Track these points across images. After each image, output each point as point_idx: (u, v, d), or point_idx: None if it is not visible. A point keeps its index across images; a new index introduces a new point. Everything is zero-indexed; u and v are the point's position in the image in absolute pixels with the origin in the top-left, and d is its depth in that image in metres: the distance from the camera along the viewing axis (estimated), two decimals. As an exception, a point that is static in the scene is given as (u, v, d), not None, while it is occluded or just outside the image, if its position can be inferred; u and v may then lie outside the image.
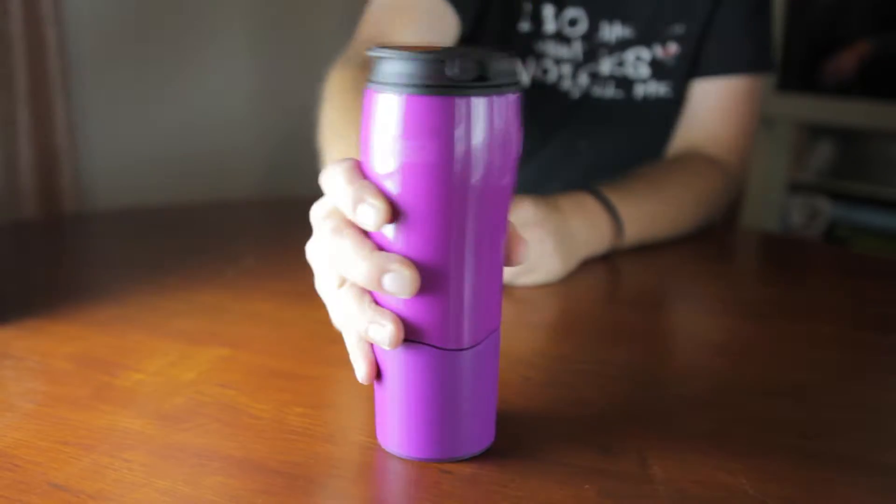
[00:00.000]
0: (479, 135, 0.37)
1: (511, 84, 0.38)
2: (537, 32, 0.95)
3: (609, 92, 0.95)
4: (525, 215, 0.68)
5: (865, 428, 0.48)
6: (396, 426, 0.42)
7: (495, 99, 0.37)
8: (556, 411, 0.48)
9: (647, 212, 0.81)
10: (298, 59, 1.50)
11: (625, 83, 0.94)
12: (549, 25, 0.94)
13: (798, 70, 2.06)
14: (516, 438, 0.45)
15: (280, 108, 1.44)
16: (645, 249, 0.81)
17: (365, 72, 0.75)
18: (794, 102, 2.03)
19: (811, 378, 0.54)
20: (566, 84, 0.95)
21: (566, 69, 0.95)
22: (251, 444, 0.44)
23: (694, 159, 0.91)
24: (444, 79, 0.36)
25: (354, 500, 0.39)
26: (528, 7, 0.94)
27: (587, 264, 0.76)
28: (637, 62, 0.93)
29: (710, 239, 0.89)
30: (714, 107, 0.94)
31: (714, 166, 0.91)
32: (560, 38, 0.94)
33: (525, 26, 0.95)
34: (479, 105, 0.37)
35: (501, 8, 0.95)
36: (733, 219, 1.20)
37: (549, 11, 0.94)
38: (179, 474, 0.41)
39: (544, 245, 0.68)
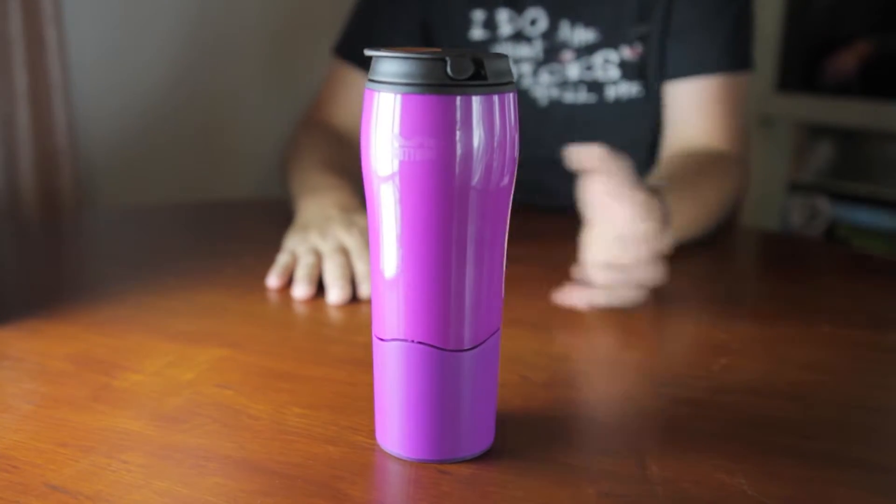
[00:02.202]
0: (478, 133, 0.37)
1: (508, 83, 0.38)
2: (493, 37, 0.97)
3: (581, 97, 0.96)
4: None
5: (866, 429, 0.48)
6: (396, 426, 0.42)
7: (493, 97, 0.37)
8: (555, 411, 0.48)
9: (687, 215, 0.79)
10: (302, 63, 1.50)
11: (596, 86, 0.95)
12: (505, 28, 0.96)
13: (798, 70, 2.06)
14: (515, 438, 0.45)
15: (281, 109, 1.44)
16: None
17: (324, 130, 0.96)
18: (794, 102, 2.02)
19: (811, 378, 0.54)
20: (527, 82, 0.96)
21: (526, 68, 0.96)
22: (249, 445, 0.44)
23: (719, 159, 0.90)
24: (443, 77, 0.36)
25: (353, 500, 0.39)
26: (479, 15, 0.97)
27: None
28: (606, 64, 0.94)
29: (710, 238, 0.89)
30: (694, 107, 0.93)
31: (735, 164, 0.90)
32: (520, 37, 0.96)
33: (478, 34, 0.97)
34: (477, 103, 0.37)
35: (446, 28, 0.97)
36: (733, 218, 1.20)
37: (503, 15, 0.96)
38: (178, 475, 0.41)
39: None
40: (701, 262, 0.76)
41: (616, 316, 0.65)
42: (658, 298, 0.71)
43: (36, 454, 0.42)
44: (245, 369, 0.53)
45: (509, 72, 0.39)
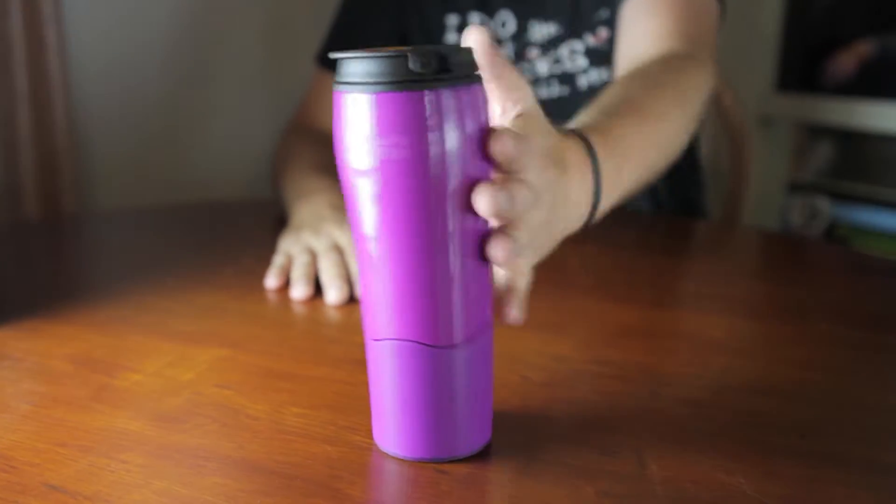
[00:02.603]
0: (450, 127, 0.37)
1: (474, 75, 0.38)
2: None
3: (554, 91, 0.96)
4: (534, 173, 0.45)
5: (865, 428, 0.48)
6: (392, 426, 0.42)
7: (462, 89, 0.37)
8: (554, 411, 0.48)
9: (633, 163, 0.62)
10: (297, 64, 1.50)
11: (567, 78, 0.95)
12: None
13: (798, 70, 2.06)
14: (514, 438, 0.45)
15: (279, 109, 1.44)
16: (643, 248, 0.81)
17: (309, 133, 0.94)
18: (794, 102, 2.02)
19: (811, 378, 0.54)
20: None
21: None
22: (249, 445, 0.44)
23: (671, 59, 0.77)
24: (409, 73, 0.36)
25: (352, 500, 0.39)
26: (453, 20, 0.97)
27: (587, 264, 0.76)
28: (573, 55, 0.94)
29: (709, 237, 0.89)
30: (640, 14, 0.84)
31: (689, 60, 0.77)
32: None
33: (453, 38, 0.98)
34: (446, 97, 0.37)
35: (422, 34, 0.98)
36: (734, 218, 1.20)
37: (475, 19, 0.96)
38: (177, 475, 0.41)
39: (543, 215, 0.46)
40: (700, 261, 0.76)
41: (617, 316, 0.65)
42: (657, 297, 0.72)
43: (35, 454, 0.42)
44: (245, 369, 0.53)
45: (473, 64, 0.39)
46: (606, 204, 0.58)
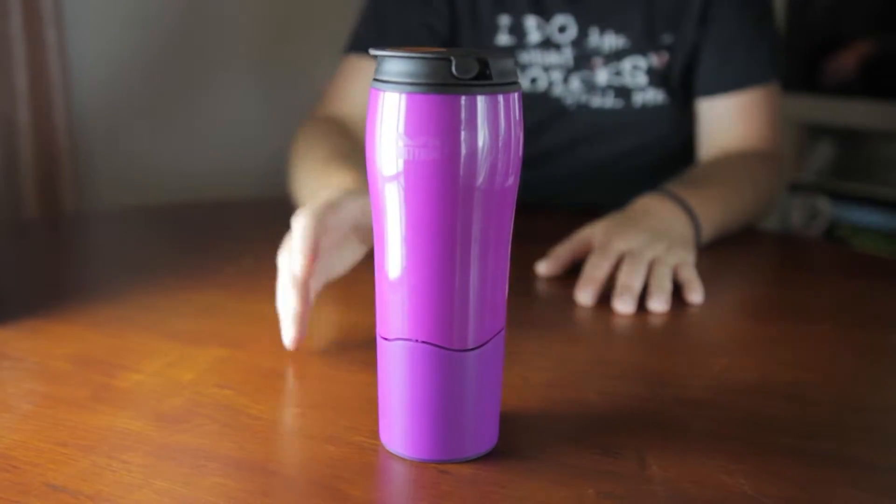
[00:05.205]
0: (482, 133, 0.37)
1: (512, 83, 0.38)
2: (520, 44, 0.96)
3: (608, 102, 0.96)
4: (602, 234, 0.72)
5: (865, 428, 0.48)
6: (401, 426, 0.42)
7: (498, 97, 0.37)
8: (555, 411, 0.48)
9: (719, 212, 0.84)
10: (298, 64, 1.50)
11: (623, 92, 0.95)
12: (534, 36, 0.96)
13: (798, 70, 2.06)
14: (515, 439, 0.45)
15: (279, 108, 1.44)
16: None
17: (328, 123, 0.90)
18: (794, 102, 2.02)
19: (811, 378, 0.54)
20: (558, 90, 0.97)
21: (556, 75, 0.96)
22: (249, 445, 0.44)
23: (745, 156, 0.94)
24: (447, 77, 0.36)
25: (353, 500, 0.39)
26: (505, 20, 0.96)
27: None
28: (634, 71, 0.95)
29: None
30: (733, 118, 0.97)
31: (764, 159, 0.95)
32: (548, 45, 0.96)
33: (504, 39, 0.97)
34: (482, 103, 0.37)
35: (472, 29, 0.97)
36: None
37: (532, 22, 0.95)
38: (178, 475, 0.41)
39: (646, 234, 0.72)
40: (700, 262, 0.76)
41: (617, 317, 0.65)
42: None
43: (36, 454, 0.42)
44: (245, 369, 0.53)
45: (514, 72, 0.39)
46: (707, 232, 0.81)
